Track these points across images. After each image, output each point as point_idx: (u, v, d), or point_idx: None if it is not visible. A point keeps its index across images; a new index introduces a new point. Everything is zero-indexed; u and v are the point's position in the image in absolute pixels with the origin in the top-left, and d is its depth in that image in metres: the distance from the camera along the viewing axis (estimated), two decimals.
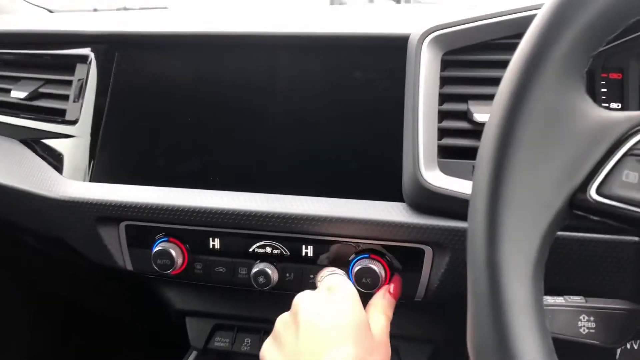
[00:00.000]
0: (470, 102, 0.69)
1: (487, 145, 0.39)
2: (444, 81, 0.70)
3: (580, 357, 0.56)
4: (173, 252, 0.74)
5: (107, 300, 1.22)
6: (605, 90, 0.70)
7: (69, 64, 0.87)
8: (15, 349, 1.49)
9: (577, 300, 0.53)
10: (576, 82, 0.39)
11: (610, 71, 0.70)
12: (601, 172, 0.38)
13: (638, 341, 0.62)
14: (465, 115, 0.69)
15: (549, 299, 0.52)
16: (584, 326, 0.51)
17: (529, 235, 0.37)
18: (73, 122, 0.83)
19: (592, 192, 0.38)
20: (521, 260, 0.37)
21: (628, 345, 0.63)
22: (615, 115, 0.39)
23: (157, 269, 0.75)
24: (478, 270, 0.37)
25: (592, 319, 0.51)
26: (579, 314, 0.51)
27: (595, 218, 0.39)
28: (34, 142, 0.87)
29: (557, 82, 0.38)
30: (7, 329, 1.46)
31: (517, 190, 0.37)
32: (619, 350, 0.61)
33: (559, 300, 0.53)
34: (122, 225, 0.76)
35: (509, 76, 0.39)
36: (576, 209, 0.38)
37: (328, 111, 0.74)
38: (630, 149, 0.38)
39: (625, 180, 0.37)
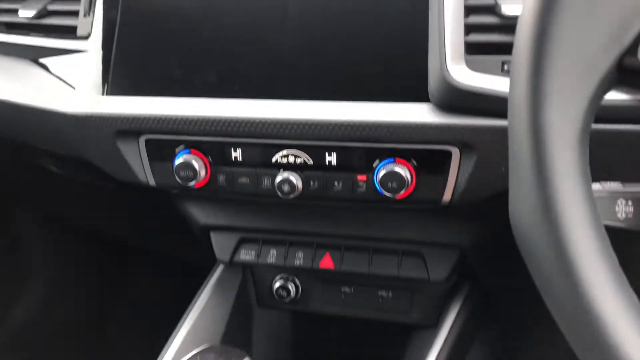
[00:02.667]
0: None
1: (529, 5, 0.36)
2: None
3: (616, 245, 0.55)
4: (195, 164, 0.73)
5: (131, 225, 1.23)
6: None
7: None
8: (41, 280, 1.53)
9: (613, 185, 0.51)
10: None
11: None
12: None
13: None
14: (493, 10, 0.66)
15: None
16: (621, 211, 0.50)
17: (575, 98, 0.35)
18: (85, 38, 0.81)
19: None
20: (567, 125, 0.35)
21: None
22: None
23: (180, 181, 0.74)
24: (521, 136, 0.36)
25: (630, 203, 0.50)
26: (616, 199, 0.50)
27: None
28: (46, 60, 0.85)
29: None
30: (30, 260, 1.49)
31: (562, 52, 0.35)
32: None
33: (595, 186, 0.51)
34: (142, 139, 0.75)
35: None
36: (626, 72, 0.36)
37: (348, 11, 0.71)
38: None
39: None
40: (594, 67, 0.36)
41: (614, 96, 0.56)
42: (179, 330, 0.86)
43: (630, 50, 0.36)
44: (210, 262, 0.96)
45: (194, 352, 0.57)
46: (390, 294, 0.89)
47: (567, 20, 0.35)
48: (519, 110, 0.36)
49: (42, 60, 0.86)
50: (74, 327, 1.54)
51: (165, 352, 0.83)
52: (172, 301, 0.99)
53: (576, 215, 0.34)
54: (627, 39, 0.36)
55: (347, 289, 0.91)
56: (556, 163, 0.35)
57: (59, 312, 1.52)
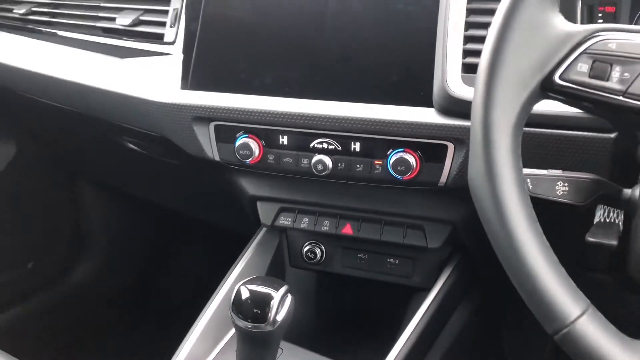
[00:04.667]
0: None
1: (487, 44, 0.58)
2: (470, 12, 0.87)
3: (558, 217, 0.75)
4: (252, 145, 0.95)
5: (186, 197, 1.46)
6: (601, 21, 0.87)
7: None
8: (99, 246, 1.75)
9: (556, 172, 0.71)
10: (552, 3, 0.57)
11: (606, 5, 0.87)
12: (564, 64, 0.57)
13: (611, 213, 0.81)
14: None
15: (535, 170, 0.71)
16: (559, 189, 0.70)
17: (511, 104, 0.56)
18: (170, 43, 1.04)
19: (557, 78, 0.57)
20: (505, 120, 0.56)
21: (602, 218, 0.82)
22: (577, 27, 0.57)
23: (239, 158, 0.97)
24: (476, 125, 0.57)
25: (566, 184, 0.70)
26: (556, 181, 0.70)
27: (558, 97, 0.58)
28: (136, 59, 1.08)
29: (539, 3, 0.56)
30: (90, 227, 1.72)
31: (505, 75, 0.56)
32: (596, 220, 0.80)
33: (543, 171, 0.71)
34: (212, 124, 0.98)
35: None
36: (546, 90, 0.57)
37: (371, 37, 0.92)
38: (585, 49, 0.56)
39: (579, 70, 0.56)
40: (525, 85, 0.57)
41: (549, 109, 0.77)
42: (227, 277, 1.08)
43: (549, 76, 0.57)
44: (249, 231, 1.18)
45: (244, 280, 0.78)
46: (397, 261, 1.10)
47: (509, 54, 0.56)
48: (476, 109, 0.57)
49: (133, 59, 1.09)
50: (125, 292, 1.76)
51: (216, 294, 1.05)
52: (215, 266, 1.20)
53: (507, 175, 0.55)
54: (546, 70, 0.57)
55: (362, 256, 1.12)
56: (496, 143, 0.56)
57: (114, 277, 1.75)
